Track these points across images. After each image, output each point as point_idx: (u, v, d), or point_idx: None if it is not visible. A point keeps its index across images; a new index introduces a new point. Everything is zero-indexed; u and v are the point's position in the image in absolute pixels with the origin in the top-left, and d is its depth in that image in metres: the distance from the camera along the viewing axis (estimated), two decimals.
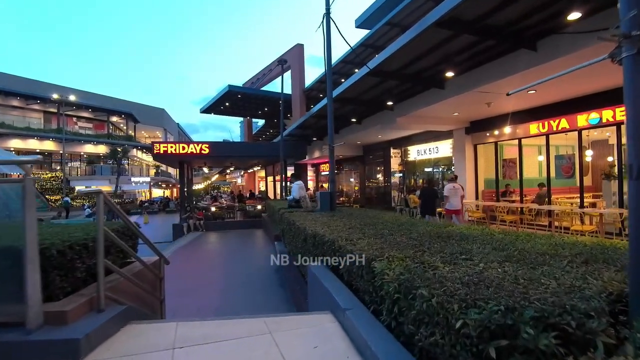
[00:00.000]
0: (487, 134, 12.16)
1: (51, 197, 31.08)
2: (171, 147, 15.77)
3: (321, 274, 3.53)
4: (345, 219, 5.23)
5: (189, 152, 15.75)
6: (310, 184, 28.31)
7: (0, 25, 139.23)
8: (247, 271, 7.81)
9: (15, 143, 33.65)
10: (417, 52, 7.84)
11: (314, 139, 19.32)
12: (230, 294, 6.28)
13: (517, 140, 11.55)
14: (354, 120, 13.57)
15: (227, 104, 29.15)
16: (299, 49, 25.51)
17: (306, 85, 25.46)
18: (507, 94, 5.00)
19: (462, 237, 3.11)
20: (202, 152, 15.91)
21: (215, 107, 29.93)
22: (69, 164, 38.83)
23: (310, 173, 28.79)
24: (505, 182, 12.39)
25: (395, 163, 18.09)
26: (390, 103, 10.80)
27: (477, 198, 12.91)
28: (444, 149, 14.63)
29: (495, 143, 12.29)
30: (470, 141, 12.94)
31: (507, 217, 10.55)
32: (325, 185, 27.86)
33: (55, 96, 33.24)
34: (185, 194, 18.17)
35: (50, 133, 35.77)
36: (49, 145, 36.16)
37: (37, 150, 36.18)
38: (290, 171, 25.21)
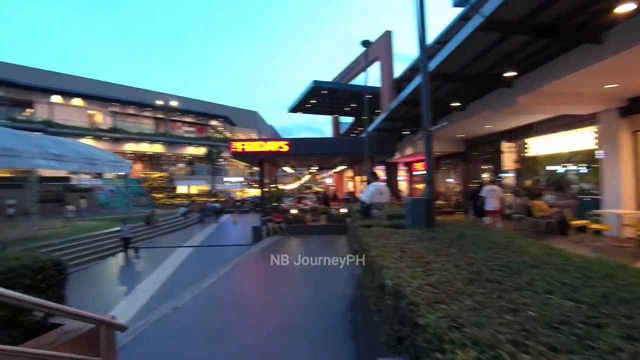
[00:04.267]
0: None
1: (157, 195, 33.62)
2: (249, 144, 14.85)
3: None
4: (456, 248, 3.03)
5: (267, 149, 14.64)
6: (403, 186, 25.65)
7: (116, 42, 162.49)
8: (311, 302, 5.95)
9: (130, 146, 37.44)
10: None
11: (406, 132, 16.80)
12: (275, 343, 4.42)
13: None
14: (455, 104, 10.85)
15: (313, 101, 28.09)
16: (387, 37, 23.11)
17: (396, 76, 22.98)
18: None
19: None
20: (281, 149, 14.67)
21: (302, 105, 29.10)
22: (177, 165, 42.21)
23: (402, 173, 26.14)
24: None
25: (508, 160, 14.65)
26: (509, 75, 7.96)
27: None
28: (581, 139, 11.00)
29: None
30: (628, 127, 9.28)
31: None
32: (419, 187, 24.91)
33: (161, 103, 36.06)
34: (265, 195, 17.21)
35: (158, 137, 39.07)
36: (157, 148, 39.56)
37: (148, 153, 39.99)
38: (378, 170, 23.06)
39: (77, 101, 35.18)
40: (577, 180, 11.51)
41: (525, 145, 13.75)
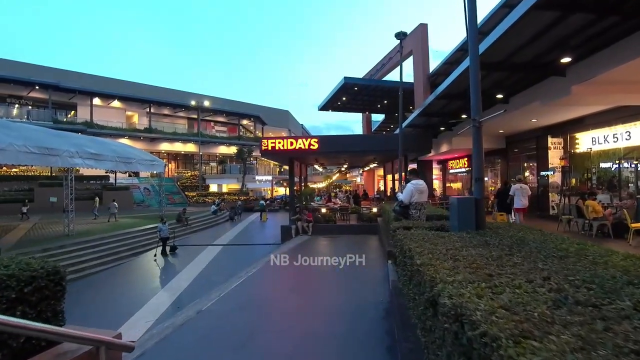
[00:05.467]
0: None
1: (190, 194, 34.27)
2: (279, 142, 14.59)
3: None
4: (519, 257, 2.52)
5: (297, 147, 14.32)
6: (436, 184, 24.71)
7: (152, 45, 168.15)
8: (341, 307, 5.53)
9: (165, 146, 38.43)
10: None
11: (442, 129, 16.01)
12: (303, 353, 4.02)
13: None
14: (499, 96, 10.05)
15: (344, 98, 27.65)
16: (421, 30, 22.26)
17: (431, 71, 22.11)
18: None
19: None
20: (311, 147, 14.30)
21: (332, 102, 28.71)
22: (210, 164, 43.03)
23: (436, 172, 25.17)
24: None
25: (554, 156, 13.56)
26: (565, 61, 7.17)
27: None
28: None
29: None
30: None
31: None
32: (454, 186, 23.86)
33: (194, 103, 36.74)
34: (295, 194, 16.93)
35: (191, 136, 39.87)
36: (190, 147, 40.39)
37: (182, 152, 40.94)
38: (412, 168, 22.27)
39: (116, 103, 36.49)
40: (633, 179, 10.42)
41: (575, 141, 12.67)
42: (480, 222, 3.89)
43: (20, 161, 10.91)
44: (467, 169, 20.82)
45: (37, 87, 31.05)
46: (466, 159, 20.58)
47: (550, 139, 13.45)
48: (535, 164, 14.87)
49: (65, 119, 32.70)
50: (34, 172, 27.47)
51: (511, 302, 1.61)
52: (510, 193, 10.32)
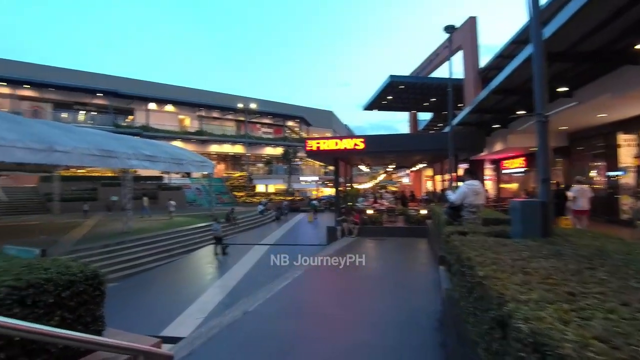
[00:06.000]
0: None
1: (238, 194, 35.29)
2: (324, 143, 14.53)
3: None
4: (604, 272, 2.17)
5: (342, 147, 14.17)
6: (489, 185, 23.42)
7: (200, 51, 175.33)
8: (390, 315, 5.27)
9: (214, 148, 39.95)
10: None
11: (495, 126, 15.07)
12: None
13: None
14: (561, 90, 9.20)
15: (389, 97, 27.03)
16: (471, 23, 21.20)
17: (481, 66, 20.98)
18: None
19: None
20: (357, 147, 14.08)
21: (378, 102, 28.20)
22: (257, 165, 44.12)
23: (488, 172, 23.87)
24: None
25: (626, 155, 12.25)
26: None
27: None
28: None
29: None
30: None
31: None
32: (509, 187, 22.46)
33: (242, 106, 37.82)
34: (340, 194, 16.76)
35: (239, 138, 41.09)
36: (238, 148, 41.66)
37: (230, 153, 42.32)
38: (460, 169, 21.24)
39: (169, 107, 38.51)
40: None
41: None
42: (547, 228, 3.49)
43: (84, 163, 11.73)
44: (524, 168, 19.51)
45: (99, 94, 33.62)
46: (523, 158, 19.27)
47: (621, 136, 12.17)
48: (603, 163, 13.54)
49: (124, 123, 35.01)
50: (97, 173, 29.63)
51: (607, 332, 1.33)
52: (571, 194, 9.70)
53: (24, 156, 9.65)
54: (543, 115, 3.67)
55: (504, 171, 22.13)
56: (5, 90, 29.96)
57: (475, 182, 5.36)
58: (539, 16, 3.85)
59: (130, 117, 36.78)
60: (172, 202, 20.97)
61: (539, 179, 3.79)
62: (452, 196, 5.64)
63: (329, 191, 49.64)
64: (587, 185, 10.53)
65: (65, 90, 32.18)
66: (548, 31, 6.24)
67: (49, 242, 11.49)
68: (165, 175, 31.78)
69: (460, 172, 15.65)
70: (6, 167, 17.35)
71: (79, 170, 28.79)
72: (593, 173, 14.49)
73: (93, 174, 29.52)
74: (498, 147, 16.65)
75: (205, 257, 13.31)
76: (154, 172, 27.89)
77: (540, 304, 1.62)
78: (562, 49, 7.28)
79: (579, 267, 2.32)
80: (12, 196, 24.34)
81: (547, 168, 3.69)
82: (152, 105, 36.84)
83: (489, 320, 2.05)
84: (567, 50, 7.34)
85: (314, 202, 31.57)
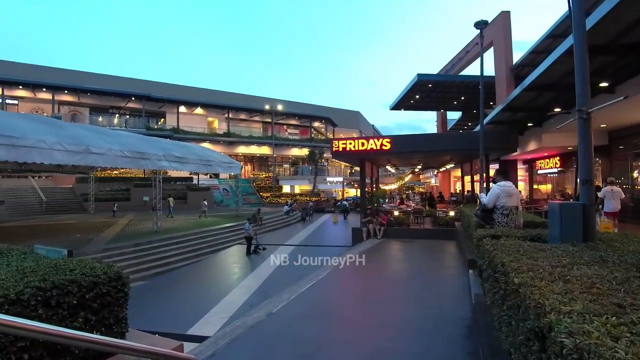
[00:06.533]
0: None
1: (264, 194, 35.67)
2: (350, 143, 14.37)
3: None
4: None
5: (368, 148, 13.97)
6: (521, 187, 22.54)
7: (226, 54, 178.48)
8: (416, 321, 5.08)
9: (241, 149, 40.58)
10: None
11: (529, 124, 14.46)
12: None
13: None
14: (603, 85, 8.68)
15: (417, 96, 26.55)
16: (503, 18, 20.45)
17: (514, 63, 20.19)
18: None
19: None
20: (383, 147, 13.85)
21: (405, 101, 27.75)
22: (283, 166, 44.51)
23: (521, 172, 22.98)
24: None
25: None
26: None
27: None
28: None
29: None
30: None
31: None
32: (542, 188, 21.50)
33: (268, 108, 38.21)
34: (366, 195, 16.55)
35: (266, 139, 41.55)
36: (265, 149, 42.12)
37: (257, 154, 42.86)
38: (494, 170, 20.49)
39: (199, 110, 39.46)
40: None
41: None
42: (589, 232, 3.25)
43: (117, 164, 12.14)
44: (558, 169, 18.64)
45: (132, 98, 34.90)
46: (558, 157, 18.43)
47: None
48: None
49: (155, 126, 36.16)
50: (130, 174, 30.74)
51: None
52: (600, 195, 9.40)
53: (62, 158, 10.08)
54: (585, 111, 3.42)
55: (538, 172, 21.25)
56: (46, 95, 31.60)
57: (508, 183, 5.10)
58: (582, 3, 3.60)
59: (162, 119, 37.94)
60: (205, 202, 21.74)
61: (580, 180, 3.54)
62: (484, 198, 5.40)
63: (354, 192, 49.44)
64: (617, 186, 10.16)
65: (100, 95, 33.64)
66: (591, 21, 5.87)
67: (84, 240, 11.96)
68: (194, 176, 32.55)
69: (492, 172, 15.08)
70: (46, 168, 18.27)
71: (113, 172, 30.00)
72: (635, 173, 13.65)
73: (126, 175, 30.63)
74: (532, 146, 15.99)
75: (232, 256, 13.47)
76: (184, 174, 28.63)
77: (584, 317, 1.47)
78: (605, 41, 6.86)
79: (626, 275, 2.11)
80: (50, 196, 25.61)
81: (589, 168, 3.44)
82: (182, 108, 37.86)
83: (526, 331, 1.89)
84: (609, 43, 6.91)
85: (344, 202, 31.36)
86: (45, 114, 29.38)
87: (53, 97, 31.55)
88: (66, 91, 32.46)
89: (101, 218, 19.42)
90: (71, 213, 23.59)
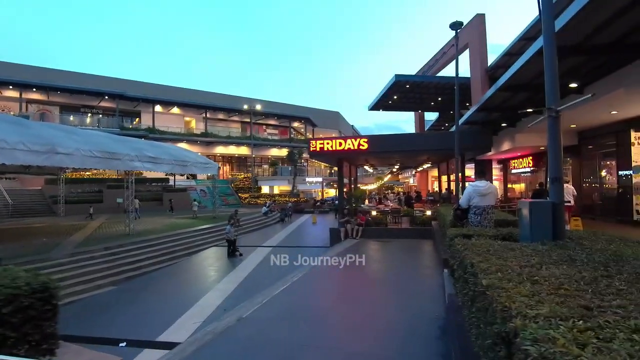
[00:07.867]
0: None
1: (243, 195, 35.20)
2: (327, 143, 14.29)
3: None
4: (623, 281, 1.93)
5: (345, 148, 13.92)
6: (496, 186, 22.99)
7: (206, 52, 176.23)
8: (390, 322, 5.03)
9: (220, 149, 39.93)
10: None
11: (503, 125, 14.75)
12: None
13: None
14: (572, 86, 8.90)
15: (395, 97, 26.78)
16: (479, 21, 20.85)
17: (489, 64, 20.61)
18: None
19: None
20: (361, 147, 13.84)
21: (383, 102, 27.94)
22: (262, 166, 44.05)
23: (496, 172, 23.47)
24: None
25: (639, 153, 11.90)
26: None
27: None
28: None
29: None
30: None
31: None
32: (516, 187, 22.03)
33: (247, 107, 37.74)
34: (344, 195, 16.52)
35: (244, 140, 41.04)
36: (244, 150, 41.59)
37: (236, 155, 42.28)
38: (470, 169, 20.84)
39: (175, 109, 38.59)
40: None
41: None
42: (558, 231, 3.24)
43: (86, 165, 11.64)
44: (531, 168, 19.12)
45: (106, 97, 33.78)
46: (531, 157, 18.90)
47: (634, 134, 11.81)
48: (614, 162, 13.16)
49: (130, 126, 35.10)
50: (103, 175, 29.73)
51: (633, 358, 1.10)
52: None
53: (25, 158, 9.59)
54: (554, 110, 3.42)
55: (512, 171, 21.76)
56: (13, 93, 30.22)
57: (481, 183, 5.11)
58: (551, 5, 3.60)
59: (137, 119, 36.90)
60: (196, 203, 22.31)
61: (549, 178, 3.54)
62: (462, 199, 5.43)
63: (334, 192, 49.48)
64: (568, 183, 11.34)
65: (72, 93, 32.40)
66: (560, 22, 5.97)
67: (51, 245, 11.42)
68: (171, 177, 31.81)
69: (468, 172, 15.29)
70: (10, 169, 17.41)
71: (85, 173, 28.95)
72: (604, 172, 14.11)
73: (99, 177, 29.62)
74: (505, 146, 16.33)
75: (208, 258, 13.13)
76: (160, 174, 27.92)
77: (550, 321, 1.40)
78: (575, 42, 7.00)
79: (594, 275, 2.08)
80: (17, 199, 24.45)
81: (558, 166, 3.44)
82: (158, 108, 36.92)
83: (493, 335, 1.82)
84: (579, 44, 7.06)
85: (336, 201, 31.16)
86: (12, 113, 28.06)
87: (20, 95, 30.20)
88: (35, 89, 31.14)
89: (72, 221, 18.65)
90: (40, 216, 22.56)
